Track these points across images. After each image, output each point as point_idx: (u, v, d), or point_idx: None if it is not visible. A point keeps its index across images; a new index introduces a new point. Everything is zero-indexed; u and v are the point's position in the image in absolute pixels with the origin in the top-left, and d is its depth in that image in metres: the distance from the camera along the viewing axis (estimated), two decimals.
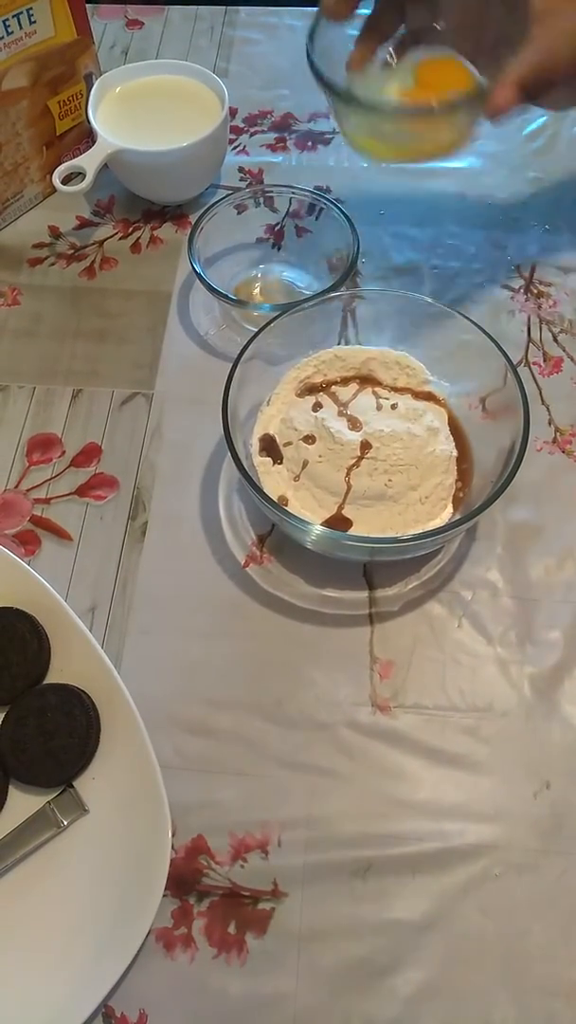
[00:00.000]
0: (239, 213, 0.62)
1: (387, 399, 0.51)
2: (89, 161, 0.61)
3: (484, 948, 0.41)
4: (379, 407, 0.51)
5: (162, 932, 0.41)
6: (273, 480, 0.50)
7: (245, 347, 0.49)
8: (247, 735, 0.46)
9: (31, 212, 0.69)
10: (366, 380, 0.53)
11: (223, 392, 0.47)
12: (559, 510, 0.53)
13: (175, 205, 0.69)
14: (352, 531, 0.48)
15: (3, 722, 0.44)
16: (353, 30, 0.49)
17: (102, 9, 0.84)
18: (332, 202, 0.60)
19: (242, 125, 0.74)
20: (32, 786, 0.43)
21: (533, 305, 0.62)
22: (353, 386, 0.53)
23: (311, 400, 0.52)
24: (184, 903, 0.42)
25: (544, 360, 0.60)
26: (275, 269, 0.64)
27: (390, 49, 0.51)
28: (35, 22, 0.60)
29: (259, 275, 0.64)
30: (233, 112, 0.74)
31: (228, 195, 0.61)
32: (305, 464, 0.49)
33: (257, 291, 0.63)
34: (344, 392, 0.52)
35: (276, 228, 0.64)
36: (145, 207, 0.69)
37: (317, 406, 0.51)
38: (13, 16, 0.58)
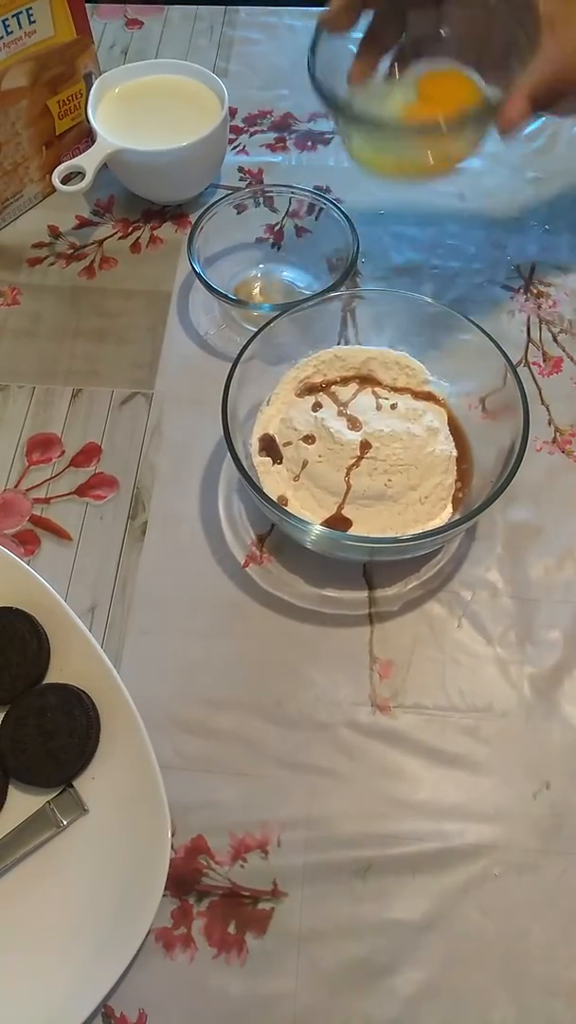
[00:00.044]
0: (239, 213, 0.62)
1: (387, 399, 0.51)
2: (89, 161, 0.61)
3: (484, 948, 0.41)
4: (379, 407, 0.51)
5: (162, 932, 0.41)
6: (273, 480, 0.50)
7: (245, 347, 0.49)
8: (247, 735, 0.46)
9: (31, 212, 0.69)
10: (366, 380, 0.53)
11: (223, 392, 0.47)
12: (559, 510, 0.53)
13: (175, 205, 0.69)
14: (352, 531, 0.48)
15: (3, 722, 0.44)
16: (353, 45, 0.48)
17: (102, 9, 0.84)
18: (332, 202, 0.60)
19: (242, 125, 0.74)
20: (32, 786, 0.43)
21: (533, 305, 0.63)
22: (353, 386, 0.53)
23: (311, 400, 0.52)
24: (184, 903, 0.42)
25: (544, 360, 0.60)
26: (275, 269, 0.64)
27: (392, 62, 0.50)
28: (35, 22, 0.60)
29: (259, 275, 0.64)
30: (233, 112, 0.74)
31: (228, 195, 0.61)
32: (305, 464, 0.49)
33: (257, 291, 0.63)
34: (344, 392, 0.52)
35: (276, 228, 0.64)
36: (145, 207, 0.69)
37: (317, 406, 0.51)
38: (13, 16, 0.58)
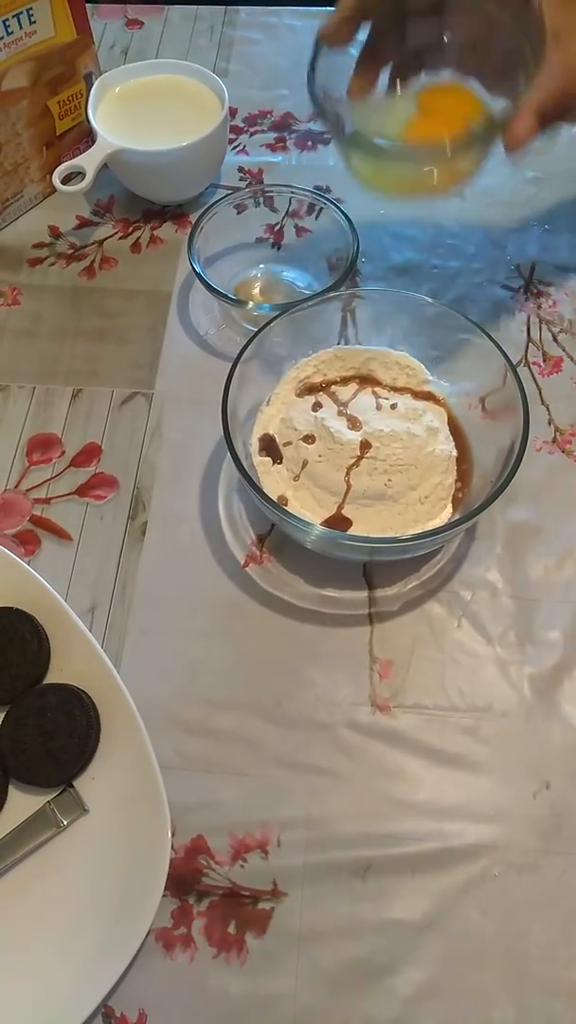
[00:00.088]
0: (239, 213, 0.62)
1: (387, 399, 0.51)
2: (89, 161, 0.61)
3: (484, 948, 0.41)
4: (379, 407, 0.51)
5: (162, 932, 0.41)
6: (273, 480, 0.50)
7: (245, 347, 0.49)
8: (247, 735, 0.46)
9: (31, 212, 0.69)
10: (366, 380, 0.53)
11: (223, 392, 0.47)
12: (559, 510, 0.53)
13: (175, 205, 0.69)
14: (352, 531, 0.48)
15: (3, 722, 0.44)
16: (353, 56, 0.47)
17: (102, 9, 0.84)
18: (332, 202, 0.60)
19: (242, 125, 0.74)
20: (32, 786, 0.43)
21: (533, 305, 0.62)
22: (353, 386, 0.53)
23: (311, 400, 0.52)
24: (184, 903, 0.42)
25: (544, 360, 0.60)
26: (275, 269, 0.64)
27: (392, 74, 0.49)
28: (35, 22, 0.60)
29: (259, 275, 0.64)
30: (233, 112, 0.74)
31: (228, 195, 0.61)
32: (305, 464, 0.49)
33: (257, 291, 0.63)
34: (344, 392, 0.52)
35: (276, 228, 0.64)
36: (145, 207, 0.69)
37: (317, 406, 0.51)
38: (13, 16, 0.58)
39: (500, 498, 0.44)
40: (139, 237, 0.67)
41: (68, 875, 0.42)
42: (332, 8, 0.45)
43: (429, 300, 0.52)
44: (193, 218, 0.67)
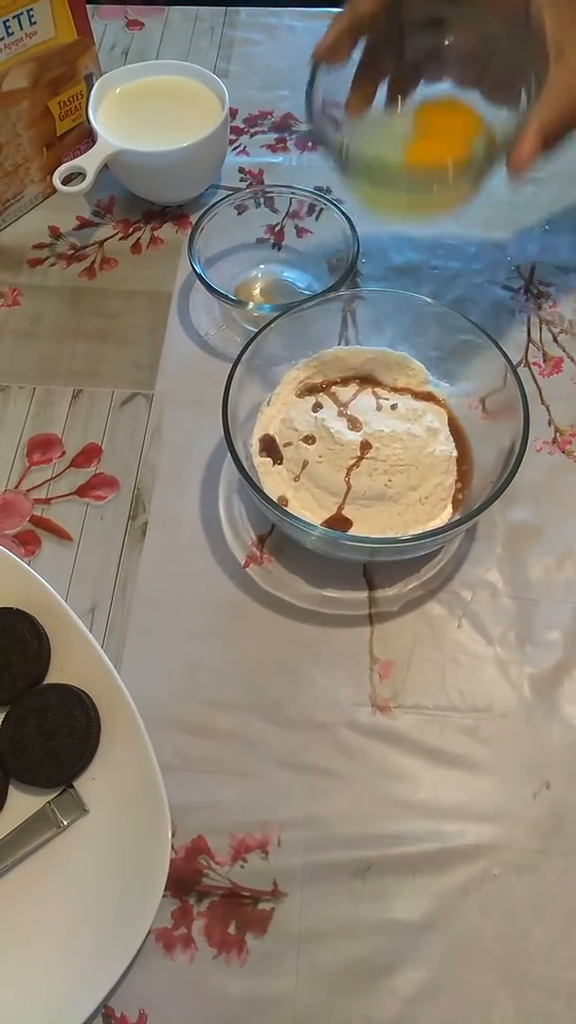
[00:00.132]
0: (239, 213, 0.62)
1: (387, 399, 0.51)
2: (89, 162, 0.61)
3: (484, 948, 0.41)
4: (379, 407, 0.51)
5: (162, 932, 0.42)
6: (273, 480, 0.50)
7: (245, 347, 0.49)
8: (247, 735, 0.46)
9: (31, 213, 0.69)
10: (366, 380, 0.53)
11: (223, 392, 0.47)
12: (559, 510, 0.53)
13: (175, 205, 0.69)
14: (352, 531, 0.48)
15: (3, 722, 0.44)
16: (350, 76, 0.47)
17: (102, 10, 0.84)
18: (332, 202, 0.60)
19: (242, 126, 0.74)
20: (32, 786, 0.43)
21: (533, 305, 0.63)
22: (353, 386, 0.53)
23: (311, 400, 0.52)
24: (184, 903, 0.42)
25: (544, 360, 0.60)
26: (275, 269, 0.64)
27: (389, 89, 0.48)
28: (35, 23, 0.60)
29: (259, 275, 0.64)
30: (233, 113, 0.74)
31: (228, 195, 0.61)
32: (305, 464, 0.49)
33: (257, 291, 0.63)
34: (344, 392, 0.52)
35: (276, 228, 0.64)
36: (145, 207, 0.69)
37: (317, 406, 0.51)
38: (13, 17, 0.58)
39: (500, 498, 0.44)
40: (139, 238, 0.67)
41: (68, 875, 0.42)
42: (332, 8, 0.45)
43: (429, 301, 0.52)
44: (193, 219, 0.67)
